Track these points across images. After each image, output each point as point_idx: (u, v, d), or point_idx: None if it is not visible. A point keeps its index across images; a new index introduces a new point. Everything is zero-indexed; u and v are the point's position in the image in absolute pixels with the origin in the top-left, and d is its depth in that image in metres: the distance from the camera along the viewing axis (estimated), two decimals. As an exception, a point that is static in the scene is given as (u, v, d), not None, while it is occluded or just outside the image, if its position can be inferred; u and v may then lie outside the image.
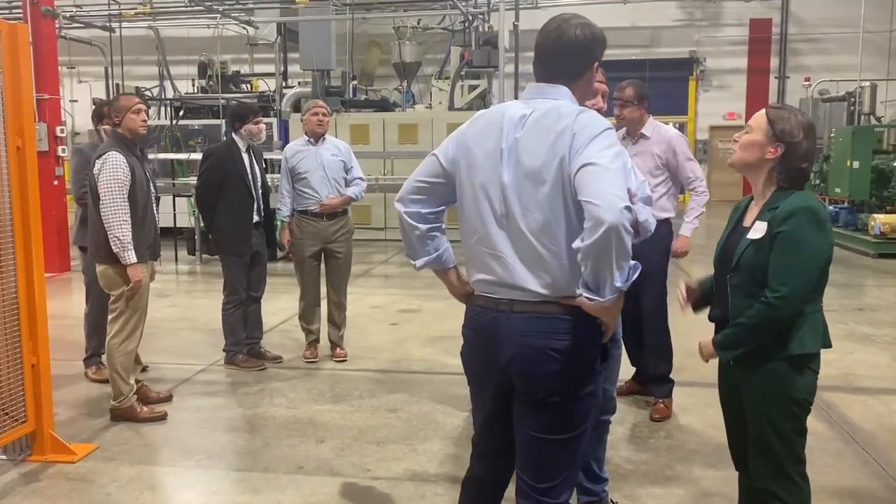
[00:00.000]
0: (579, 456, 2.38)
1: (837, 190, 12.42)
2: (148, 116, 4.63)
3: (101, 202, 4.36)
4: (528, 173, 2.24)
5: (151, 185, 4.67)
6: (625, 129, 4.69)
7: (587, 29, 2.33)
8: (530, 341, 2.25)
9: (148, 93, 15.59)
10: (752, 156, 2.59)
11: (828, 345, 2.59)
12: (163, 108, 15.29)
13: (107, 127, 5.15)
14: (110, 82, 12.81)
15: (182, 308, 7.89)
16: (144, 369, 5.46)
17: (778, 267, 2.46)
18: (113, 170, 4.36)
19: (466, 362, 2.49)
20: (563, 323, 2.23)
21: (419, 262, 2.52)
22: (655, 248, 4.32)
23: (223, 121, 11.02)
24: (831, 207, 12.68)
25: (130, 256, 4.38)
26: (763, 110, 2.61)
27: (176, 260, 10.85)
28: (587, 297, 2.11)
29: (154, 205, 4.69)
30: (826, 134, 14.25)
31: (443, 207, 2.49)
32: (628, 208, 2.02)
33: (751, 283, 2.53)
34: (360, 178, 5.88)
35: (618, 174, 2.08)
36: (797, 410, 2.55)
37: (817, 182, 13.44)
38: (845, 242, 11.78)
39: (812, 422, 4.49)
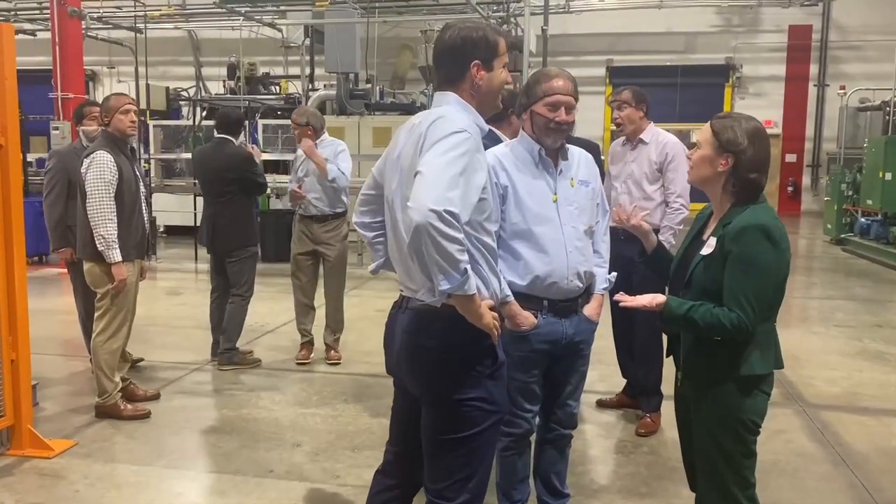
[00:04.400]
0: (476, 461, 2.34)
1: (869, 202, 12.04)
2: (137, 117, 4.66)
3: (87, 200, 4.41)
4: (404, 181, 2.29)
5: (140, 184, 4.71)
6: (624, 136, 4.60)
7: (461, 32, 2.34)
8: (408, 337, 2.35)
9: (185, 93, 15.83)
10: (706, 171, 2.50)
11: (780, 365, 2.48)
12: (196, 109, 15.51)
13: (85, 128, 5.21)
14: (138, 82, 13.04)
15: (190, 307, 7.94)
16: (139, 361, 5.52)
17: (733, 289, 2.36)
18: (100, 169, 4.40)
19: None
20: (439, 321, 2.26)
21: (371, 267, 2.73)
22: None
23: (247, 122, 11.15)
24: (863, 220, 12.30)
25: (115, 255, 4.41)
26: (708, 122, 2.52)
27: (196, 258, 10.96)
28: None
29: (143, 204, 4.72)
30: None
31: (383, 218, 2.57)
32: (442, 210, 2.03)
33: (702, 298, 2.43)
34: (342, 171, 5.62)
35: (439, 176, 2.09)
36: (743, 432, 2.44)
37: (850, 193, 13.04)
38: (874, 256, 11.40)
39: (804, 442, 4.39)
